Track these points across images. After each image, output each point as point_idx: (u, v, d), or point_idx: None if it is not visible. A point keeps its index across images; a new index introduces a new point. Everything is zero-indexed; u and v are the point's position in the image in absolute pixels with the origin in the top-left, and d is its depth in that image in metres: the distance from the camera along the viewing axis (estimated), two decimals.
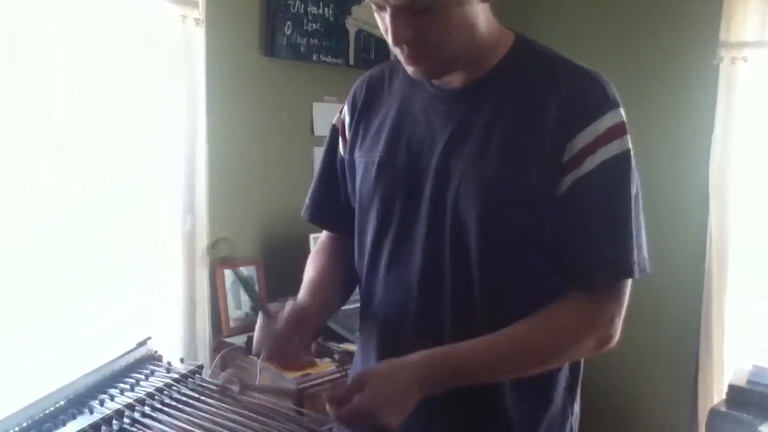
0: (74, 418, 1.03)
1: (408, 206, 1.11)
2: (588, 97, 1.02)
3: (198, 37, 2.39)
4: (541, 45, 1.10)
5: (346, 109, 1.27)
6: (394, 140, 1.14)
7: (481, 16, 1.03)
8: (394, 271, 1.13)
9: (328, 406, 0.98)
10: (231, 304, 2.67)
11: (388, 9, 0.98)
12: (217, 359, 2.45)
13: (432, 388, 0.99)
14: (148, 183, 2.41)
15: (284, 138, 2.85)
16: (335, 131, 1.31)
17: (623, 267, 1.03)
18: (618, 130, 1.02)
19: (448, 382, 1.01)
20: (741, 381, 2.15)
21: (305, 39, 2.79)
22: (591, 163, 1.00)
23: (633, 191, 1.04)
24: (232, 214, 2.69)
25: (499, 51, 1.08)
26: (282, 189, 2.86)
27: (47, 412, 1.05)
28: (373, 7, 1.01)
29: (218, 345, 2.54)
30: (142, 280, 2.43)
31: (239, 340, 2.55)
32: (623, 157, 1.02)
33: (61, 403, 1.08)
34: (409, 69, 1.06)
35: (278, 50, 2.72)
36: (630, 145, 1.03)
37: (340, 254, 1.29)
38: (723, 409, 2.11)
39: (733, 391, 2.13)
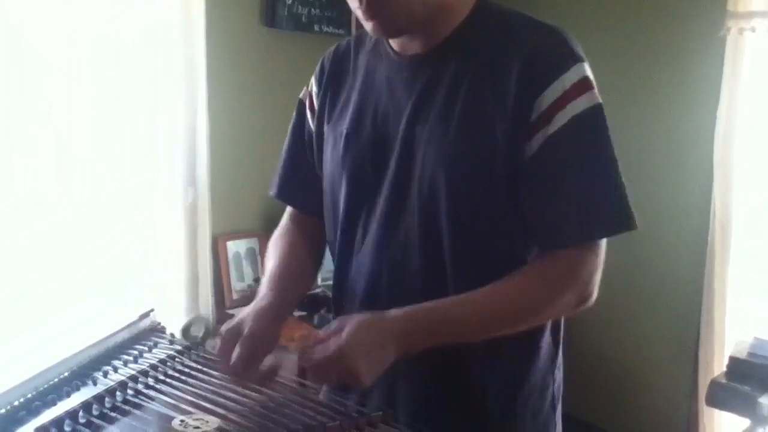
0: (78, 389, 1.04)
1: (376, 177, 1.09)
2: (551, 53, 1.00)
3: (198, 7, 2.36)
4: (500, 5, 1.08)
5: (313, 81, 1.25)
6: (360, 112, 1.13)
7: None
8: (367, 243, 1.12)
9: (299, 352, 0.96)
10: (233, 276, 2.68)
11: None
12: (220, 331, 2.46)
13: (411, 346, 0.97)
14: (149, 156, 2.41)
15: (285, 110, 2.80)
16: (302, 105, 1.28)
17: (601, 222, 1.01)
18: (585, 84, 1.00)
19: (426, 341, 0.99)
20: (742, 353, 2.16)
21: (306, 9, 2.76)
22: (561, 119, 0.98)
23: (610, 145, 1.01)
24: (233, 186, 2.69)
25: (461, 12, 1.06)
26: None
27: (51, 383, 1.06)
28: None
29: (221, 317, 2.56)
30: (144, 254, 2.43)
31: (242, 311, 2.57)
32: (594, 111, 1.00)
33: (65, 374, 1.09)
34: (368, 26, 1.03)
35: (279, 21, 2.69)
36: (600, 100, 1.01)
37: (305, 235, 1.26)
38: (723, 381, 2.12)
39: (734, 363, 2.14)
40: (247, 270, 2.72)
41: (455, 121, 1.02)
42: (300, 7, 2.74)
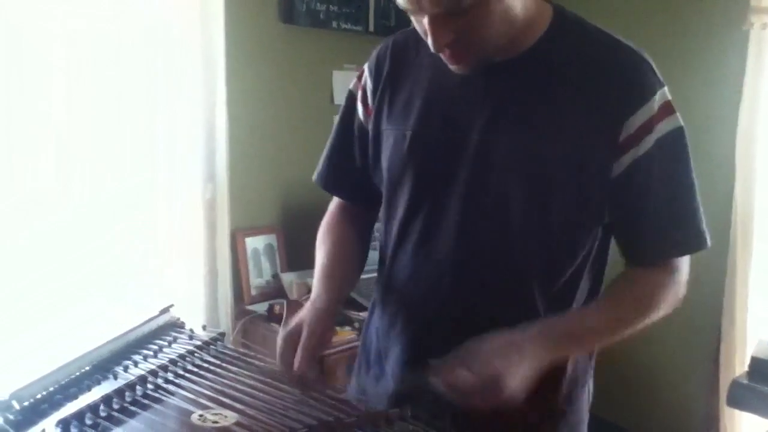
0: (99, 383, 1.05)
1: (443, 181, 1.08)
2: (642, 77, 1.04)
3: (217, 4, 2.37)
4: (578, 17, 1.09)
5: (367, 74, 1.21)
6: (427, 113, 1.10)
7: (518, 1, 0.99)
8: (426, 247, 1.11)
9: (443, 381, 0.93)
10: (252, 272, 2.69)
11: (426, 16, 0.95)
12: (238, 327, 2.48)
13: (544, 361, 0.98)
14: (168, 152, 2.42)
15: (304, 106, 2.84)
16: (352, 97, 1.25)
17: (695, 239, 1.09)
18: (669, 108, 1.04)
19: (559, 351, 1.03)
20: (764, 353, 2.13)
21: (324, 5, 2.76)
22: (649, 141, 1.02)
23: (690, 165, 1.07)
24: (251, 182, 2.70)
25: (540, 24, 1.05)
26: (301, 158, 2.85)
27: (73, 377, 1.07)
28: (408, 11, 0.98)
29: (239, 313, 2.57)
30: (153, 253, 2.44)
31: (260, 307, 2.58)
32: (679, 133, 1.05)
33: (87, 368, 1.10)
34: (452, 67, 1.04)
35: (297, 17, 2.70)
36: (682, 123, 1.06)
37: (354, 225, 1.28)
38: (745, 381, 2.09)
39: (756, 363, 2.11)
40: (266, 266, 2.73)
41: (544, 131, 1.03)
42: (318, 4, 2.74)
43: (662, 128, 1.03)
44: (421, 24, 0.98)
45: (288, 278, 2.70)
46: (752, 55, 2.40)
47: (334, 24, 2.80)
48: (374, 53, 1.22)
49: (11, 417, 0.94)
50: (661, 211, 1.06)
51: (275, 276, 2.73)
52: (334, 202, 1.35)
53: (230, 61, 2.46)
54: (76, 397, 1.00)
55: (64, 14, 2.16)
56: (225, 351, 1.20)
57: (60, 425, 0.90)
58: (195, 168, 2.46)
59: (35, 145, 2.16)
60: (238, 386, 1.04)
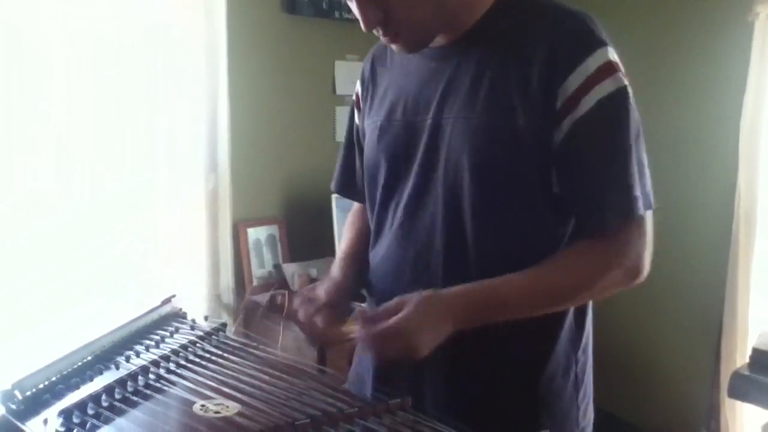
0: (101, 373, 1.05)
1: (407, 164, 1.14)
2: (573, 39, 1.02)
3: None
4: None
5: (359, 81, 1.31)
6: (393, 103, 1.17)
7: None
8: (396, 229, 1.16)
9: (358, 325, 1.01)
10: (254, 262, 2.69)
11: None
12: (240, 317, 2.48)
13: (464, 322, 1.01)
14: (169, 143, 2.42)
15: (306, 97, 2.84)
16: (353, 103, 1.35)
17: (637, 200, 1.03)
18: (609, 68, 1.01)
19: (479, 318, 1.03)
20: (765, 345, 2.13)
21: None
22: (587, 103, 1.00)
23: (634, 127, 1.03)
24: (253, 173, 2.70)
25: (484, 2, 1.09)
26: (304, 148, 2.86)
27: (75, 367, 1.07)
28: None
29: (241, 304, 2.58)
30: (165, 242, 2.45)
31: (262, 298, 2.58)
32: (619, 94, 1.01)
33: (89, 358, 1.10)
34: (394, 48, 1.11)
35: (299, 7, 2.69)
36: (625, 82, 1.03)
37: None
38: (746, 372, 2.09)
39: (757, 354, 2.11)
40: (267, 257, 2.74)
41: (479, 107, 1.05)
42: None
43: (602, 89, 1.00)
44: (353, 7, 1.05)
45: (290, 269, 2.70)
46: (757, 46, 2.38)
47: (337, 14, 2.79)
48: (364, 61, 1.32)
49: (13, 407, 0.95)
50: (598, 175, 1.03)
51: (277, 267, 2.74)
52: None
53: (232, 52, 2.45)
54: (78, 387, 1.00)
55: (64, 14, 2.16)
56: (227, 341, 1.20)
57: (62, 415, 0.90)
58: (197, 159, 2.46)
59: (35, 145, 2.17)
60: (240, 376, 1.04)
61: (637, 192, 1.03)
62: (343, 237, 1.38)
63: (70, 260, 2.21)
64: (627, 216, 1.03)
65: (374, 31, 1.07)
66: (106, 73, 2.28)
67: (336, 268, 1.27)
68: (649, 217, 1.06)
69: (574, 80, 1.00)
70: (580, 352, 1.17)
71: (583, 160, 1.03)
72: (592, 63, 1.00)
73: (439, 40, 1.11)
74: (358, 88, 1.31)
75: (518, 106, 1.02)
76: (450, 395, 1.11)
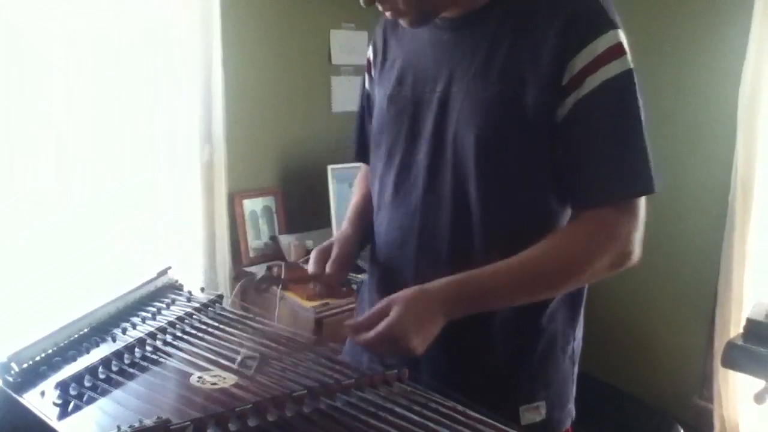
0: (97, 345, 1.05)
1: (411, 135, 1.14)
2: (586, 18, 1.01)
3: None
4: None
5: (371, 47, 1.31)
6: (403, 73, 1.18)
7: None
8: (398, 199, 1.17)
9: (349, 333, 1.02)
10: (250, 233, 2.69)
11: None
12: (237, 288, 2.49)
13: (454, 313, 1.02)
14: (164, 114, 2.40)
15: (301, 66, 2.81)
16: (366, 67, 1.33)
17: (633, 182, 1.03)
18: (618, 50, 1.01)
19: (469, 308, 1.03)
20: (760, 315, 2.14)
21: None
22: (592, 82, 1.00)
23: (635, 111, 1.03)
24: (249, 144, 2.68)
25: None
26: (300, 118, 2.84)
27: (71, 339, 1.07)
28: None
29: (238, 274, 2.58)
30: (161, 211, 2.44)
31: (259, 269, 2.59)
32: (625, 76, 1.01)
33: (85, 330, 1.10)
34: (401, 22, 1.10)
35: None
36: (632, 65, 1.02)
37: None
38: (740, 342, 2.10)
39: (751, 324, 2.12)
40: (263, 228, 2.73)
41: (492, 79, 1.05)
42: None
43: (608, 71, 1.00)
44: None
45: (286, 240, 2.70)
46: (758, 11, 2.33)
47: None
48: (377, 26, 1.30)
49: (10, 379, 0.95)
50: (601, 152, 1.02)
51: (273, 238, 2.73)
52: None
53: (226, 20, 2.42)
54: (75, 360, 1.00)
55: (64, 14, 2.16)
56: (223, 313, 1.20)
57: (59, 387, 0.90)
58: (192, 130, 2.44)
59: (35, 145, 2.17)
60: (237, 348, 1.04)
61: (634, 173, 1.02)
62: (354, 191, 1.42)
63: (70, 260, 2.22)
64: (619, 195, 1.03)
65: (377, 5, 1.06)
66: (106, 72, 2.28)
67: (345, 226, 1.32)
68: (642, 201, 1.05)
69: (582, 59, 1.00)
70: (577, 329, 1.18)
71: (581, 139, 1.02)
72: (601, 43, 1.00)
73: (452, 12, 1.10)
74: (370, 54, 1.30)
75: (529, 81, 1.02)
76: (447, 366, 1.11)
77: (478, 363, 1.12)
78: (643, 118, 1.03)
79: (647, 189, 1.03)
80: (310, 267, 1.22)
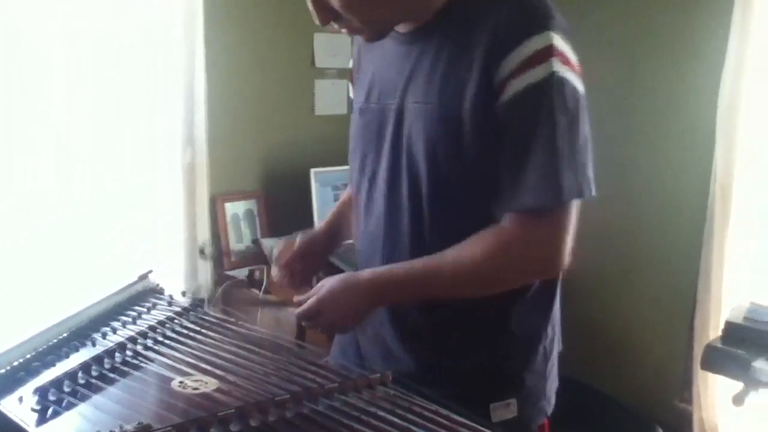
0: (77, 350, 1.04)
1: (378, 146, 1.17)
2: (513, 22, 1.00)
3: None
4: None
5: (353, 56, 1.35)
6: (372, 85, 1.21)
7: None
8: (368, 209, 1.21)
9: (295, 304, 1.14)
10: (232, 237, 2.67)
11: None
12: (218, 292, 2.47)
13: (380, 302, 1.12)
14: (147, 116, 2.38)
15: (285, 69, 2.80)
16: (350, 76, 1.38)
17: (544, 191, 1.00)
18: (544, 54, 0.98)
19: (394, 298, 1.11)
20: (738, 318, 2.16)
21: None
22: (515, 87, 0.99)
23: (563, 115, 1.00)
24: (231, 146, 2.67)
25: None
26: (283, 121, 2.83)
27: (51, 344, 1.06)
28: None
29: (220, 278, 2.56)
30: (143, 214, 2.43)
31: (241, 273, 2.57)
32: (548, 81, 0.99)
33: (64, 335, 1.09)
34: (362, 38, 1.14)
35: None
36: (556, 69, 0.99)
37: None
38: (719, 344, 2.12)
39: (730, 327, 2.14)
40: (246, 231, 2.72)
41: (434, 93, 1.07)
42: None
43: (534, 75, 0.98)
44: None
45: (268, 243, 2.69)
46: (737, 16, 2.35)
47: None
48: (355, 38, 1.32)
49: None
50: (516, 160, 1.01)
51: (255, 241, 2.72)
52: None
53: (209, 22, 2.41)
54: (54, 365, 0.99)
55: (64, 14, 2.16)
56: (205, 317, 1.19)
57: (37, 393, 0.89)
58: (174, 132, 2.42)
59: (35, 145, 2.18)
60: (219, 352, 1.03)
61: (545, 183, 1.00)
62: (340, 200, 1.47)
63: (70, 260, 2.22)
64: (528, 204, 1.01)
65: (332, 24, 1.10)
66: (106, 72, 2.29)
67: (320, 225, 1.42)
68: (574, 207, 1.03)
69: (509, 64, 0.99)
70: (549, 327, 1.19)
71: (503, 146, 1.02)
72: (527, 48, 0.98)
73: (405, 26, 1.12)
74: (351, 64, 1.35)
75: (467, 91, 1.02)
76: (418, 365, 1.14)
77: (449, 363, 1.13)
78: (576, 120, 1.01)
79: (557, 199, 1.00)
80: (275, 256, 1.33)
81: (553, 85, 0.99)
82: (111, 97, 2.30)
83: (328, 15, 1.07)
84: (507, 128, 1.01)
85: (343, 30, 1.11)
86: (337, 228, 1.41)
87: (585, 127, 1.03)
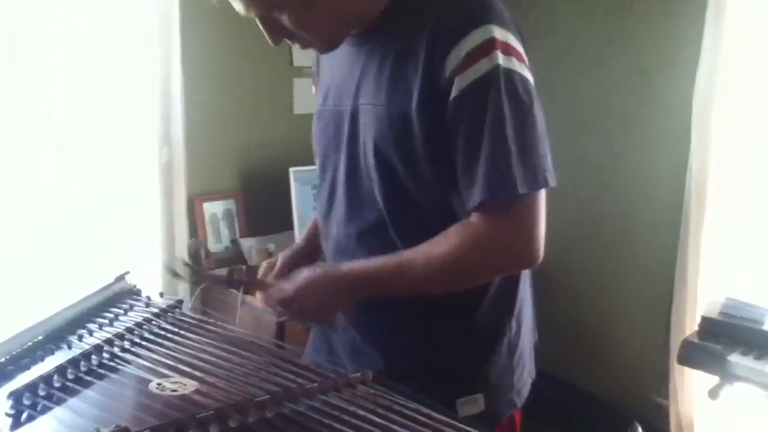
0: (52, 353, 1.03)
1: (335, 148, 1.18)
2: (451, 18, 1.00)
3: None
4: None
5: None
6: (327, 91, 1.22)
7: None
8: (331, 212, 1.22)
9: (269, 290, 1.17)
10: (210, 237, 2.65)
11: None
12: (197, 293, 2.45)
13: (354, 295, 1.11)
14: (121, 114, 2.36)
15: (263, 68, 2.78)
16: (314, 81, 1.40)
17: (502, 184, 0.99)
18: (486, 48, 0.98)
19: (368, 292, 1.10)
20: (713, 313, 2.18)
21: None
22: (460, 84, 0.99)
23: (513, 107, 1.00)
24: (209, 146, 2.65)
25: None
26: (261, 120, 2.81)
27: (25, 347, 1.05)
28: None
29: (198, 279, 2.54)
30: (119, 214, 2.40)
31: (219, 273, 2.55)
32: (493, 74, 0.98)
33: (39, 338, 1.08)
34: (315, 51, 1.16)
35: None
36: (500, 61, 0.99)
37: None
38: (695, 339, 2.15)
39: (706, 322, 2.17)
40: (224, 231, 2.70)
41: (382, 94, 1.07)
42: None
43: (478, 69, 0.98)
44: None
45: (247, 244, 2.67)
46: (711, 14, 2.38)
47: None
48: None
49: None
50: (469, 156, 1.01)
51: (234, 242, 2.70)
52: None
53: (186, 20, 2.38)
54: (28, 368, 0.98)
55: (64, 14, 2.16)
56: (183, 318, 1.18)
57: (12, 397, 0.88)
58: (150, 131, 2.40)
59: (35, 145, 2.17)
60: (198, 353, 1.03)
61: (510, 173, 0.99)
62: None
63: (70, 260, 2.21)
64: (495, 193, 1.00)
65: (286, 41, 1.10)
66: (106, 73, 2.28)
67: (303, 236, 1.42)
68: (538, 198, 1.02)
69: (452, 61, 0.98)
70: (513, 320, 1.18)
71: (456, 143, 1.02)
72: (468, 42, 0.98)
73: (356, 28, 1.12)
74: (313, 67, 1.37)
75: (414, 91, 1.02)
76: (386, 364, 1.14)
77: (415, 359, 1.14)
78: (529, 112, 1.01)
79: (510, 191, 0.99)
80: (260, 277, 1.31)
81: (500, 77, 0.99)
82: (111, 97, 2.31)
83: (279, 35, 1.08)
84: (458, 126, 1.01)
85: (296, 45, 1.11)
86: (316, 239, 1.37)
87: (538, 117, 1.03)
